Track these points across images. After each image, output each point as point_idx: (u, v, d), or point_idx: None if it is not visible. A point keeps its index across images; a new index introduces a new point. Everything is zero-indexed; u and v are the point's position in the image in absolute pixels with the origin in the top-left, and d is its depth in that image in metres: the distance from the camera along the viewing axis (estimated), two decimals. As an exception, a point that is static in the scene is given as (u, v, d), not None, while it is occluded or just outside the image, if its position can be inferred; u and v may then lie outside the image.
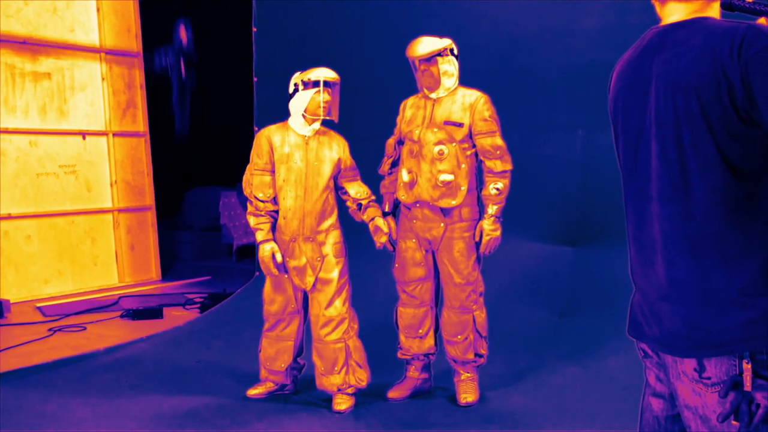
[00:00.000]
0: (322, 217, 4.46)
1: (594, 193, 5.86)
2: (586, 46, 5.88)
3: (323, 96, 4.42)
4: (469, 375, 4.56)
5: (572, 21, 5.96)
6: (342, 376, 4.45)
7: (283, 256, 4.49)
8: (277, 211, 4.52)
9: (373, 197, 4.64)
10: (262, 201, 4.49)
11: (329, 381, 4.46)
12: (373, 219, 4.57)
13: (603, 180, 5.85)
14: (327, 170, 4.46)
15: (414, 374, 4.68)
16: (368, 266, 5.62)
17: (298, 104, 4.45)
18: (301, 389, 4.78)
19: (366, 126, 6.66)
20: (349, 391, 4.50)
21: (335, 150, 4.50)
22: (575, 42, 5.94)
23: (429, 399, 4.66)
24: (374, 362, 4.73)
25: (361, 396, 4.60)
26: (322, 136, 4.52)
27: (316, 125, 4.49)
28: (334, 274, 4.46)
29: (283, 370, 4.63)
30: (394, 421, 4.33)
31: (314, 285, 4.47)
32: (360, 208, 4.61)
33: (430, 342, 4.61)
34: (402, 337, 4.65)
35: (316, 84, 4.41)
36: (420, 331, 4.58)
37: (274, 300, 4.58)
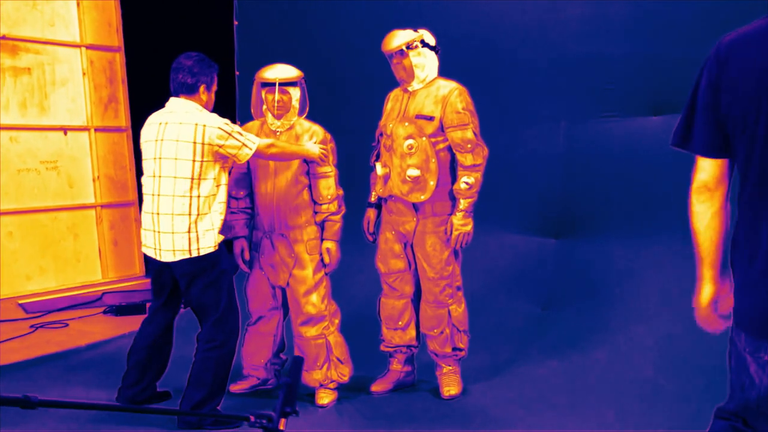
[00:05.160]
0: (295, 213, 4.41)
1: (576, 185, 5.86)
2: (568, 38, 5.87)
3: (276, 95, 4.36)
4: (450, 368, 4.56)
5: (554, 12, 5.95)
6: (323, 371, 4.45)
7: (257, 253, 4.50)
8: (251, 207, 4.54)
9: (333, 208, 4.48)
10: (235, 198, 4.51)
11: (311, 376, 4.46)
12: (323, 240, 4.50)
13: (586, 172, 5.85)
14: (295, 165, 4.40)
15: (397, 367, 4.68)
16: (354, 258, 5.60)
17: (259, 103, 4.47)
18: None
19: (350, 119, 6.64)
20: (331, 386, 4.49)
21: (302, 142, 4.42)
22: (557, 33, 5.93)
23: (412, 392, 4.66)
24: (357, 356, 4.73)
25: (344, 390, 4.60)
26: (298, 129, 4.46)
27: (284, 121, 4.44)
28: (308, 271, 4.43)
29: (263, 365, 4.63)
30: (378, 415, 4.33)
31: (288, 282, 4.46)
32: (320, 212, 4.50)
33: (411, 334, 4.61)
34: (384, 329, 4.66)
35: (266, 84, 4.38)
36: (400, 322, 4.58)
37: (253, 297, 4.58)
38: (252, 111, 4.56)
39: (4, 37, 7.67)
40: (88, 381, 4.95)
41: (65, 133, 8.21)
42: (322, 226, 4.50)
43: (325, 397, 4.48)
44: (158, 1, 8.03)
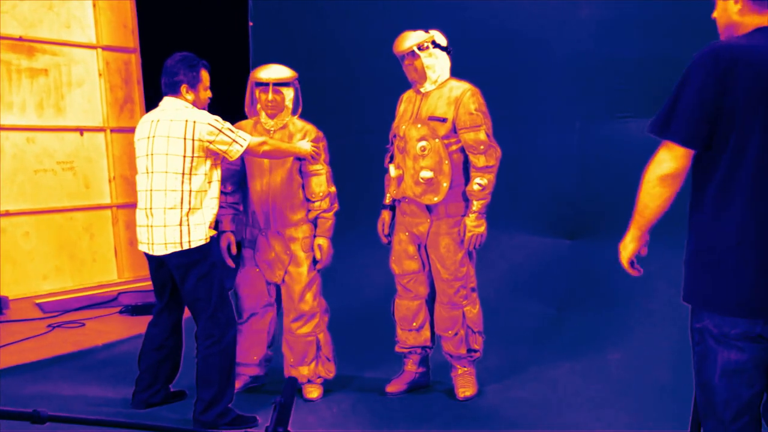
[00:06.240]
0: (291, 210, 4.48)
1: (591, 185, 5.85)
2: (583, 38, 5.86)
3: (270, 95, 4.43)
4: (465, 369, 4.56)
5: (569, 12, 5.94)
6: (311, 367, 4.55)
7: (252, 250, 4.56)
8: (237, 203, 4.62)
9: (325, 205, 4.54)
10: (223, 192, 4.56)
11: (298, 372, 4.55)
12: (316, 236, 4.57)
13: (600, 172, 5.84)
14: (289, 163, 4.46)
15: (412, 368, 4.68)
16: (368, 259, 5.61)
17: (252, 102, 4.55)
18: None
19: (363, 119, 6.65)
20: (318, 381, 4.60)
21: (296, 141, 4.49)
22: (572, 33, 5.92)
23: (427, 393, 4.66)
24: (372, 357, 4.73)
25: (359, 390, 4.64)
26: (291, 128, 4.53)
27: (279, 120, 4.51)
28: (304, 268, 4.51)
29: (256, 362, 4.69)
30: (392, 416, 4.33)
31: (284, 279, 4.53)
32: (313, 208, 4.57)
33: (426, 335, 4.61)
34: (398, 330, 4.65)
35: (259, 84, 4.45)
36: (414, 323, 4.58)
37: (248, 294, 4.62)
38: (246, 110, 4.63)
39: (20, 39, 7.72)
40: (104, 380, 4.98)
41: (81, 134, 8.26)
42: (314, 223, 4.57)
43: (313, 392, 4.57)
44: (174, 2, 8.06)
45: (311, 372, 4.55)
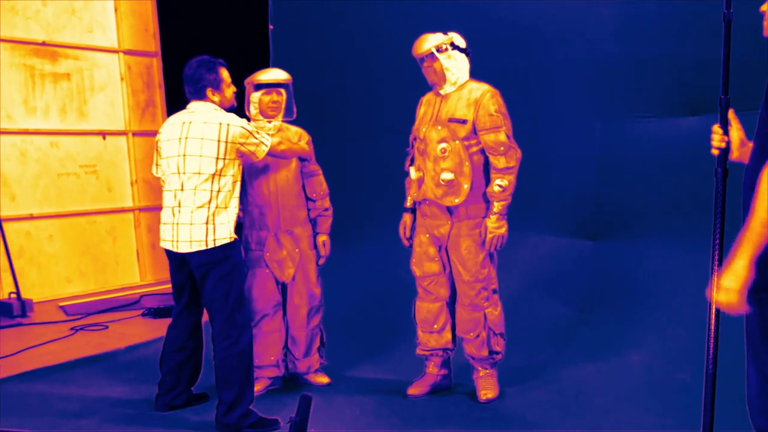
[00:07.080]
0: (297, 209, 4.69)
1: (612, 186, 5.81)
2: (603, 38, 5.83)
3: (274, 96, 4.64)
4: (487, 371, 4.54)
5: (589, 12, 5.91)
6: (317, 357, 4.82)
7: (261, 252, 4.65)
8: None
9: (327, 204, 4.81)
10: None
11: (310, 361, 4.80)
12: (318, 234, 4.82)
13: (621, 173, 5.80)
14: (293, 164, 4.67)
15: (433, 370, 4.67)
16: (390, 261, 5.61)
17: (248, 106, 4.69)
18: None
19: (382, 121, 6.65)
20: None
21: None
22: (593, 33, 5.89)
23: (449, 395, 4.65)
24: (393, 359, 4.71)
25: (380, 393, 4.63)
26: (286, 132, 4.71)
27: (276, 122, 4.68)
28: (312, 264, 4.75)
29: (274, 362, 4.74)
30: (414, 418, 4.32)
31: (294, 276, 4.67)
32: (315, 208, 4.80)
33: (447, 337, 4.60)
34: (419, 332, 4.65)
35: (261, 86, 4.62)
36: (435, 326, 4.57)
37: (260, 295, 4.68)
38: (246, 112, 4.73)
39: (44, 44, 7.79)
40: (127, 382, 5.01)
41: (104, 138, 8.33)
42: (313, 221, 4.80)
43: (324, 377, 4.85)
44: (194, 6, 8.11)
45: (316, 361, 4.82)
